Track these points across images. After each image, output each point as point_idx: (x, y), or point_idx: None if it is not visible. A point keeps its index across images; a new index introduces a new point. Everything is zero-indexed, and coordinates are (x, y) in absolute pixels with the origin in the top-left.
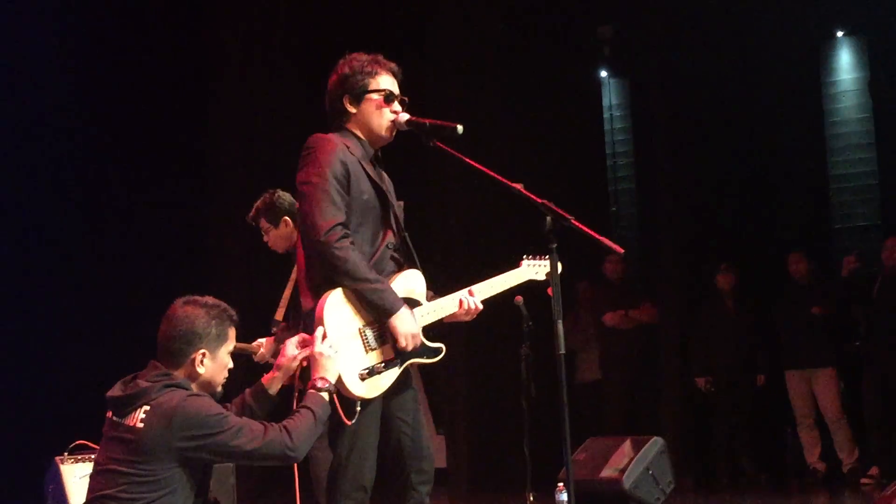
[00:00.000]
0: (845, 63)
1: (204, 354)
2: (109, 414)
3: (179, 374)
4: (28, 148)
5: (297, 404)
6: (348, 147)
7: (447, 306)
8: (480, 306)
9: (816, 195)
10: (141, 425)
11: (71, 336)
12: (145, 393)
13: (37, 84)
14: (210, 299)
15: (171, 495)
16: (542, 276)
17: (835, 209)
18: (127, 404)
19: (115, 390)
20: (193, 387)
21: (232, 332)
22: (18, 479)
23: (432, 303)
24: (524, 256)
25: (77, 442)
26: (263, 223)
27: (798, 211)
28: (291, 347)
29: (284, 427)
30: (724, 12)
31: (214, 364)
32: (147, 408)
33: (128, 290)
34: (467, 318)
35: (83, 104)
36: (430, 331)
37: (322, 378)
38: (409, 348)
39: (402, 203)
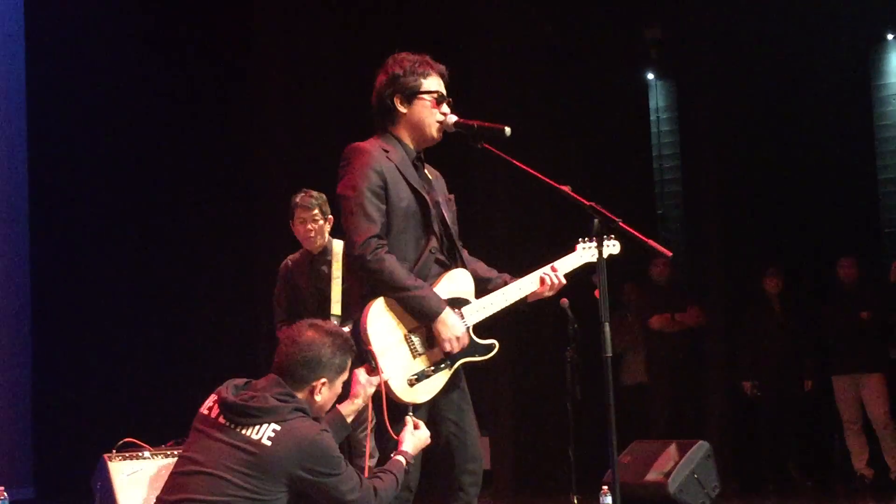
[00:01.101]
0: (895, 66)
1: (324, 383)
2: (215, 413)
3: (300, 397)
4: (67, 149)
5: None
6: (387, 153)
7: (523, 288)
8: (563, 281)
9: (865, 198)
10: (268, 443)
11: (118, 336)
12: (275, 412)
13: (77, 83)
14: (333, 327)
15: None
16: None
17: (884, 213)
18: (248, 415)
19: (228, 393)
20: None
21: (349, 364)
22: (67, 476)
23: (491, 296)
24: (580, 240)
25: (125, 440)
26: (322, 210)
27: (847, 214)
28: (362, 375)
29: (375, 488)
30: (772, 14)
31: (330, 393)
32: (277, 427)
33: (174, 292)
34: (551, 293)
35: (128, 107)
36: (478, 329)
37: (407, 452)
38: (456, 350)
39: (452, 196)
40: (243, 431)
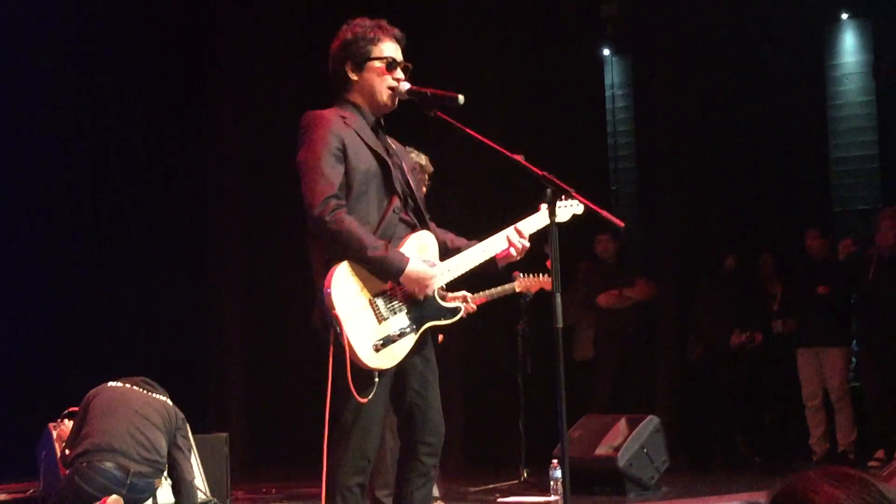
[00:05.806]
0: (849, 46)
1: None
2: None
3: None
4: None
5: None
6: (345, 119)
7: (488, 250)
8: (528, 244)
9: (817, 177)
10: None
11: (63, 312)
12: None
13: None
14: None
15: None
16: (563, 218)
17: (835, 192)
18: None
19: None
20: None
21: None
22: (12, 445)
23: (455, 258)
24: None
25: (69, 409)
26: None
27: (799, 193)
28: None
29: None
30: None
31: None
32: None
33: (118, 268)
34: (518, 256)
35: (82, 101)
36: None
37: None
38: (429, 295)
39: (417, 167)
40: None
